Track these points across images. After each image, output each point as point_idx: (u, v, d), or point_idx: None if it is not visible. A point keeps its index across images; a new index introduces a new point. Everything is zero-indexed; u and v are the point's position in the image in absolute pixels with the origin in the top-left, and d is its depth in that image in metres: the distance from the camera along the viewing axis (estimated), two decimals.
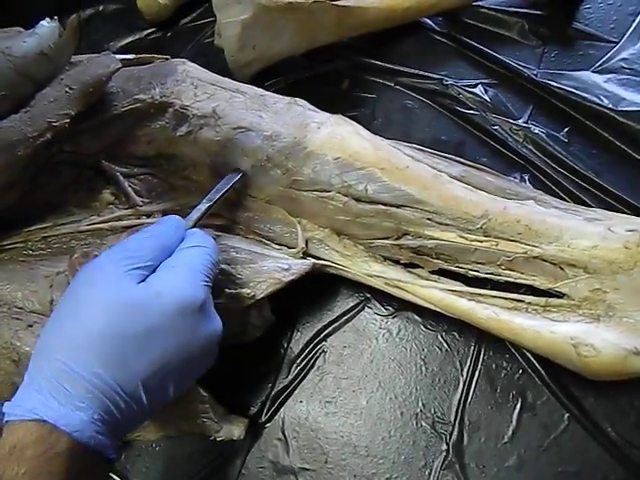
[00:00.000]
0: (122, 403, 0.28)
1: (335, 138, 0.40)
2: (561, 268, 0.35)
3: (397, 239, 0.38)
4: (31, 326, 0.35)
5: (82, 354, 0.28)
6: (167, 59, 0.49)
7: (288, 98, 0.43)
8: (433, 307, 0.38)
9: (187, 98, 0.43)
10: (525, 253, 0.35)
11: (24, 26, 0.42)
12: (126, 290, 0.29)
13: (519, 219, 0.35)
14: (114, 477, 0.40)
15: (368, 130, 0.41)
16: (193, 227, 0.36)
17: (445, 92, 0.48)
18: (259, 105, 0.42)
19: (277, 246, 0.41)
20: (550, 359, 0.35)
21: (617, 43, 0.48)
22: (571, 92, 0.45)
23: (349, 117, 0.43)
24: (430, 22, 0.52)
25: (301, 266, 0.38)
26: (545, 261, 0.35)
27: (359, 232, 0.39)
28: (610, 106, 0.44)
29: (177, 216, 0.35)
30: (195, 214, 0.37)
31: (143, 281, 0.30)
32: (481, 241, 0.36)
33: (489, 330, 0.36)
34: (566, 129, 0.45)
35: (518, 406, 0.37)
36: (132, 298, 0.29)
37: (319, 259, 0.40)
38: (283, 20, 0.49)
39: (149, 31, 0.61)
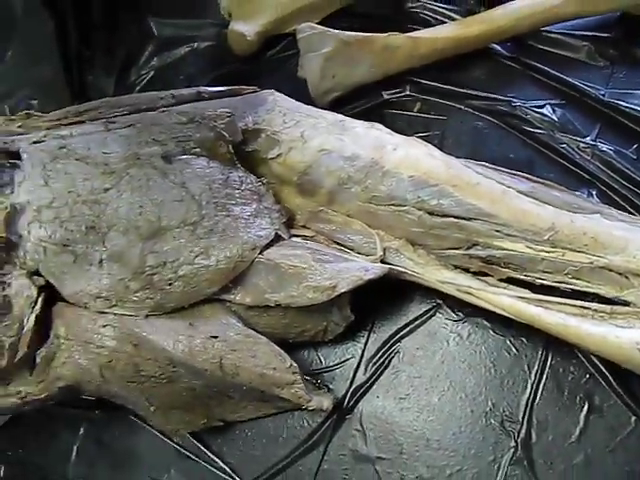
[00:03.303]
0: None
1: (409, 158, 0.43)
2: (627, 277, 0.36)
3: (467, 249, 0.40)
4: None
5: None
6: (255, 90, 0.54)
7: (366, 123, 0.46)
8: (502, 312, 0.40)
9: (277, 125, 0.47)
10: (591, 263, 0.36)
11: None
12: None
13: (585, 231, 0.37)
14: (214, 457, 0.44)
15: (440, 150, 0.44)
16: None
17: (513, 113, 0.50)
18: (340, 129, 0.46)
19: (357, 255, 0.44)
20: (617, 363, 0.36)
21: None
22: (636, 110, 0.46)
23: (421, 138, 0.46)
24: (499, 47, 0.54)
25: (379, 269, 0.41)
26: (611, 271, 0.36)
27: (432, 242, 0.42)
28: None
29: None
30: None
31: None
32: (548, 252, 0.38)
33: (557, 335, 0.38)
34: (634, 146, 0.46)
35: (585, 408, 0.38)
36: None
37: (395, 265, 0.42)
38: (361, 52, 0.53)
39: (239, 64, 0.66)
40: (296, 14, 0.60)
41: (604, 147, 0.46)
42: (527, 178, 0.42)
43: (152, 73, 0.67)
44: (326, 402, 0.40)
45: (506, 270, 0.40)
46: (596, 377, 0.38)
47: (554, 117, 0.49)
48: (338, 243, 0.45)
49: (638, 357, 0.34)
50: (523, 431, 0.38)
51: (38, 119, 0.52)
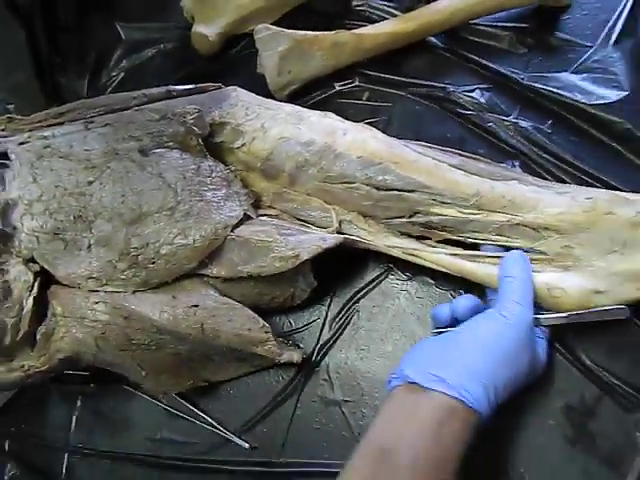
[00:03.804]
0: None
1: (357, 141, 0.48)
2: (538, 231, 0.42)
3: (410, 217, 0.46)
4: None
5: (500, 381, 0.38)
6: (220, 87, 0.59)
7: (320, 112, 0.52)
8: (442, 269, 0.46)
9: (240, 117, 0.52)
10: (509, 221, 0.43)
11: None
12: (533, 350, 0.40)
13: (504, 195, 0.43)
14: (201, 414, 0.50)
15: (386, 133, 0.50)
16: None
17: (448, 97, 0.56)
18: (296, 119, 0.51)
19: (317, 228, 0.50)
20: None
21: (591, 47, 0.54)
22: (552, 91, 0.53)
23: (370, 123, 0.52)
24: (434, 39, 0.60)
25: (335, 239, 0.46)
26: (525, 226, 0.43)
27: (380, 213, 0.47)
28: (584, 101, 0.51)
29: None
30: (551, 318, 0.42)
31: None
32: (475, 214, 0.44)
33: (487, 284, 0.44)
34: (549, 122, 0.52)
35: None
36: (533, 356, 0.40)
37: (350, 236, 0.48)
38: (312, 49, 0.58)
39: (203, 63, 0.69)
40: (253, 15, 0.65)
41: (524, 124, 0.52)
42: (457, 153, 0.48)
43: (122, 74, 0.71)
44: (296, 356, 0.46)
45: (443, 233, 0.46)
46: None
47: (482, 100, 0.55)
48: (300, 219, 0.51)
49: (547, 295, 0.41)
50: None
51: (20, 122, 0.56)
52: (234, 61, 0.67)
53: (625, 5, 0.55)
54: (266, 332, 0.46)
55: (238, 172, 0.52)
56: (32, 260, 0.48)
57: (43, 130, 0.53)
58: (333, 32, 0.59)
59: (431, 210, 0.46)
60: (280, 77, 0.59)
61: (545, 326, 0.42)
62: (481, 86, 0.56)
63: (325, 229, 0.49)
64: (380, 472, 0.35)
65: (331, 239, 0.47)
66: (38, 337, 0.47)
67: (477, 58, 0.57)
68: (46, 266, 0.48)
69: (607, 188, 0.47)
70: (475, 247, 0.45)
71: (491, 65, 0.56)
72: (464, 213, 0.44)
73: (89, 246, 0.48)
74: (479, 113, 0.54)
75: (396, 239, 0.47)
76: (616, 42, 0.53)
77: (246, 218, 0.49)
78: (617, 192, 0.42)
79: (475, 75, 0.57)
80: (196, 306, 0.46)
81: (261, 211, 0.52)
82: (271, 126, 0.51)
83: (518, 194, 0.43)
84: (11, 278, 0.47)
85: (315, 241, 0.47)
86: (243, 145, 0.51)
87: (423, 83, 0.58)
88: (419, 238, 0.47)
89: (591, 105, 0.51)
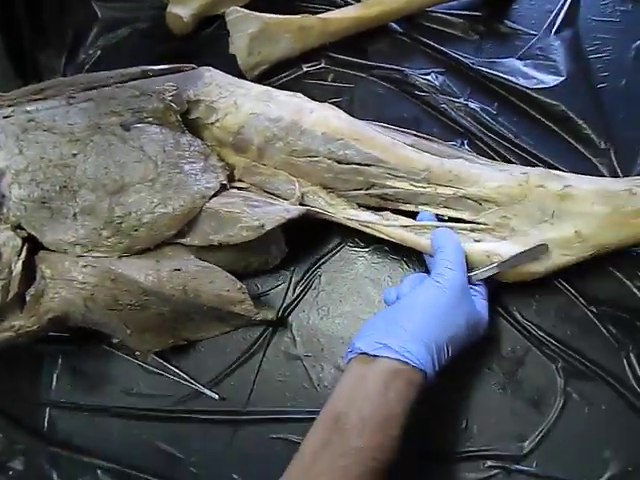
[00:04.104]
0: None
1: (322, 119, 0.52)
2: (479, 203, 0.47)
3: (367, 189, 0.51)
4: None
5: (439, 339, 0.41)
6: (193, 67, 0.62)
7: (290, 92, 0.56)
8: (393, 240, 0.51)
9: (214, 95, 0.55)
10: (454, 194, 0.48)
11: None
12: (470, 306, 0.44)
13: (450, 170, 0.48)
14: (175, 369, 0.54)
15: (348, 112, 0.54)
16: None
17: (406, 80, 0.60)
18: (267, 97, 0.55)
19: (283, 200, 0.54)
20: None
21: (535, 35, 0.59)
22: (498, 75, 0.57)
23: (334, 103, 0.56)
24: (395, 25, 0.64)
25: (298, 210, 0.50)
26: (468, 199, 0.48)
27: (340, 185, 0.52)
28: (526, 85, 0.56)
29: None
30: (486, 270, 0.45)
31: None
32: (425, 187, 0.49)
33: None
34: (495, 104, 0.57)
35: None
36: (472, 309, 0.44)
37: (311, 207, 0.52)
38: (280, 32, 0.62)
39: (177, 43, 0.71)
40: None
41: (473, 105, 0.57)
42: (412, 134, 0.53)
43: (99, 52, 0.73)
44: (270, 314, 0.51)
45: (396, 204, 0.50)
46: None
47: (436, 82, 0.59)
48: (267, 192, 0.54)
49: (486, 261, 0.46)
50: None
51: (1, 97, 0.59)
52: (207, 41, 0.70)
53: None
54: (243, 293, 0.50)
55: (212, 147, 0.56)
56: (20, 227, 0.51)
57: (25, 105, 0.55)
58: (300, 16, 0.62)
59: (386, 183, 0.50)
60: (250, 57, 0.63)
61: (480, 281, 0.46)
62: (435, 70, 0.60)
63: (289, 201, 0.53)
64: (332, 436, 0.38)
65: (294, 210, 0.51)
66: (28, 298, 0.51)
67: (433, 43, 0.61)
68: (33, 233, 0.51)
69: (544, 164, 0.52)
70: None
71: (445, 50, 0.60)
72: (415, 186, 0.49)
73: (74, 214, 0.51)
74: (433, 95, 0.58)
75: (354, 211, 0.52)
76: (557, 31, 0.58)
77: (222, 189, 0.53)
78: (549, 169, 0.47)
79: (430, 59, 0.61)
80: (179, 270, 0.50)
81: (232, 184, 0.55)
82: (243, 103, 0.54)
83: (463, 170, 0.48)
84: (0, 243, 0.50)
85: (279, 212, 0.51)
86: (217, 121, 0.55)
87: (383, 66, 0.62)
88: (376, 209, 0.52)
89: (532, 89, 0.56)
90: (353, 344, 0.43)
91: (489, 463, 0.45)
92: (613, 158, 0.51)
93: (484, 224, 0.48)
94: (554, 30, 0.58)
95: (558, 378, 0.47)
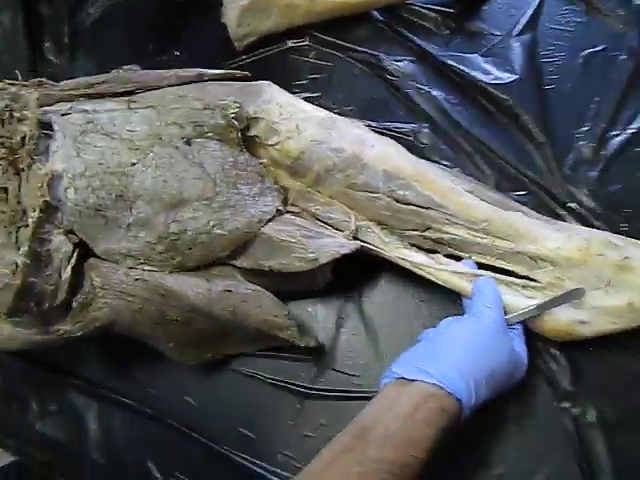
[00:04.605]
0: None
1: (384, 155, 0.52)
2: (535, 261, 0.48)
3: (423, 231, 0.51)
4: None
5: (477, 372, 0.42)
6: (247, 75, 0.61)
7: (349, 120, 0.55)
8: (444, 285, 0.51)
9: (275, 116, 0.54)
10: (512, 249, 0.48)
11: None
12: (510, 342, 0.45)
13: (511, 224, 0.48)
14: None
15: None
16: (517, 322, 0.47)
17: (380, 65, 0.63)
18: (329, 124, 0.54)
19: (335, 230, 0.53)
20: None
21: (499, 36, 0.62)
22: (462, 69, 0.61)
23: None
24: (376, 13, 0.67)
25: (353, 245, 0.50)
26: (526, 255, 0.48)
27: (396, 224, 0.51)
28: (484, 79, 0.59)
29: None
30: (522, 314, 0.46)
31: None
32: (482, 238, 0.49)
33: None
34: (456, 94, 0.60)
35: None
36: (511, 348, 0.45)
37: (365, 242, 0.52)
38: (269, 7, 0.65)
39: (178, 7, 0.73)
40: None
41: (435, 93, 0.60)
42: (469, 180, 0.53)
43: (100, 11, 0.77)
44: (312, 341, 0.51)
45: (450, 249, 0.51)
46: None
47: (406, 69, 0.62)
48: (319, 219, 0.54)
49: (536, 320, 0.47)
50: None
51: (52, 87, 0.57)
52: (203, 8, 0.72)
53: (531, 4, 0.63)
54: (290, 319, 0.50)
55: (267, 166, 0.55)
56: (72, 232, 0.50)
57: (83, 103, 0.54)
58: None
59: (443, 228, 0.50)
60: (239, 28, 0.66)
61: (516, 323, 0.46)
62: (407, 58, 0.64)
63: (342, 232, 0.53)
64: (354, 444, 0.39)
65: (348, 246, 0.50)
66: (74, 305, 0.50)
67: (407, 33, 0.65)
68: (86, 240, 0.50)
69: (493, 153, 0.57)
70: (479, 266, 0.50)
71: (418, 41, 0.64)
72: (472, 235, 0.49)
73: (128, 225, 0.50)
74: (402, 80, 0.62)
75: (407, 251, 0.52)
76: (518, 34, 0.62)
77: (277, 214, 0.52)
78: (610, 235, 0.47)
79: (404, 47, 0.65)
80: (229, 291, 0.50)
81: (285, 207, 0.55)
82: (305, 128, 0.53)
83: (522, 225, 0.48)
84: (52, 248, 0.49)
85: (334, 246, 0.50)
86: (277, 143, 0.54)
87: (361, 49, 0.65)
88: (429, 251, 0.52)
89: (488, 84, 0.59)
90: (390, 369, 0.43)
91: None
92: (549, 151, 0.56)
93: (537, 281, 0.48)
94: (515, 33, 0.62)
95: None
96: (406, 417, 0.39)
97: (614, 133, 0.56)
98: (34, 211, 0.48)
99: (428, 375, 0.40)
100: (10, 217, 0.48)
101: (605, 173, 0.54)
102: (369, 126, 0.55)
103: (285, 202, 0.55)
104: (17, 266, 0.46)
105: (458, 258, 0.51)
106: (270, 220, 0.51)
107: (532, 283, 0.48)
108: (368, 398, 0.46)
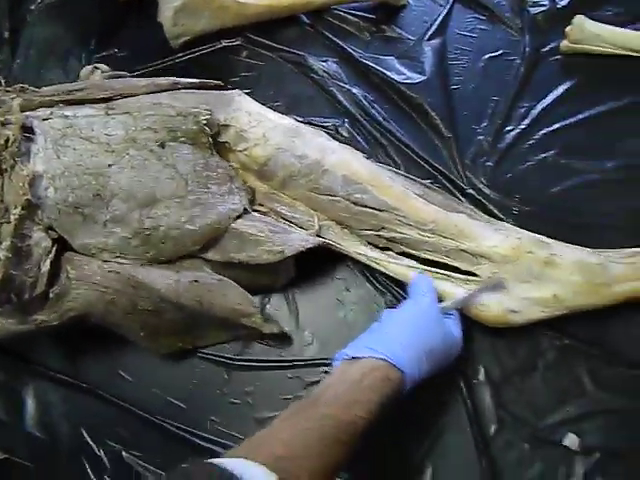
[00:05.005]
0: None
1: (343, 162, 0.56)
2: (475, 257, 0.53)
3: (378, 231, 0.55)
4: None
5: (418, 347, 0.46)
6: (219, 84, 0.65)
7: (312, 129, 0.60)
8: (397, 277, 0.56)
9: (244, 124, 0.58)
10: (456, 247, 0.53)
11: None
12: (444, 324, 0.49)
13: (454, 224, 0.53)
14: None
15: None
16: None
17: (306, 64, 0.70)
18: (293, 133, 0.58)
19: (299, 228, 0.57)
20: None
21: (412, 40, 0.70)
22: (379, 69, 0.68)
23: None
24: (303, 16, 0.74)
25: (316, 241, 0.54)
26: (467, 252, 0.53)
27: (354, 224, 0.56)
28: (397, 79, 0.67)
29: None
30: (454, 302, 0.51)
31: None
32: (430, 237, 0.54)
33: None
34: (373, 92, 0.67)
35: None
36: (447, 328, 0.48)
37: (326, 239, 0.56)
38: (202, 8, 0.71)
39: (119, 7, 0.78)
40: None
41: (355, 91, 0.67)
42: (420, 183, 0.58)
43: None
44: (275, 327, 0.55)
45: (402, 247, 0.55)
46: None
47: (331, 69, 0.69)
48: (284, 219, 0.58)
49: (475, 309, 0.51)
50: None
51: (33, 93, 0.60)
52: (141, 8, 0.77)
53: (441, 13, 0.71)
54: (254, 307, 0.54)
55: (236, 169, 0.59)
56: (51, 228, 0.53)
57: (63, 109, 0.57)
58: None
59: (395, 228, 0.55)
60: (175, 28, 0.72)
61: (450, 310, 0.51)
62: (332, 59, 0.71)
63: (306, 230, 0.57)
64: (305, 407, 0.42)
65: (312, 241, 0.55)
66: (51, 296, 0.53)
67: (332, 36, 0.73)
68: (65, 235, 0.53)
69: (403, 145, 0.63)
70: (426, 262, 0.55)
71: (341, 43, 0.72)
72: (421, 235, 0.54)
73: (105, 222, 0.53)
74: (325, 79, 0.69)
75: (364, 247, 0.56)
76: (429, 39, 0.70)
77: (244, 212, 0.56)
78: (538, 236, 0.53)
79: (328, 49, 0.72)
80: (196, 281, 0.53)
81: (252, 207, 0.59)
82: (271, 137, 0.58)
83: (465, 226, 0.53)
84: (32, 243, 0.52)
85: (299, 241, 0.55)
86: (245, 149, 0.58)
87: (289, 50, 0.73)
88: (383, 249, 0.56)
89: (401, 83, 0.67)
90: (341, 352, 0.46)
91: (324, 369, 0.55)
92: (453, 144, 0.62)
93: (477, 276, 0.53)
94: (426, 37, 0.70)
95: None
96: (353, 382, 0.42)
97: (508, 129, 0.64)
98: (16, 208, 0.51)
99: (375, 351, 0.44)
100: None
101: (500, 164, 0.62)
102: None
103: (253, 202, 0.59)
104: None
105: (408, 255, 0.56)
106: (238, 217, 0.55)
107: (473, 277, 0.53)
108: (289, 367, 0.55)
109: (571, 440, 0.50)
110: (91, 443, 0.56)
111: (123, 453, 0.55)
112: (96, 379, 0.58)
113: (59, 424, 0.57)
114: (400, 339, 0.46)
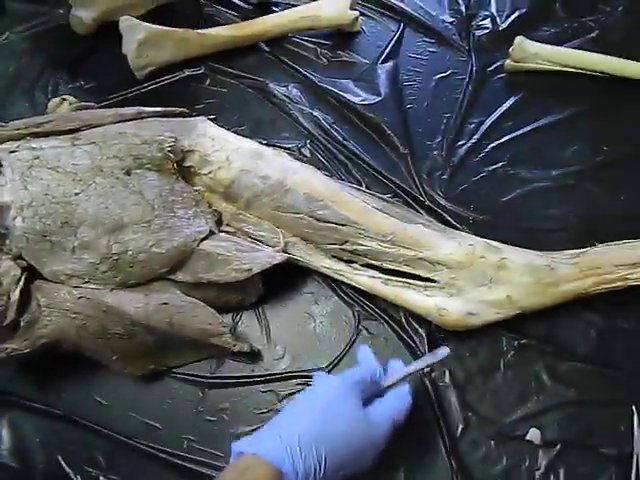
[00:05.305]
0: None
1: (304, 181, 0.59)
2: (433, 265, 0.55)
3: (341, 244, 0.57)
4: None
5: (308, 442, 0.39)
6: (184, 112, 0.67)
7: (274, 150, 0.62)
8: (362, 287, 0.58)
9: (207, 148, 0.60)
10: (414, 256, 0.56)
11: None
12: (358, 412, 0.42)
13: (412, 235, 0.56)
14: None
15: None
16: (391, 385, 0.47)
17: (267, 90, 0.73)
18: (256, 155, 0.60)
19: (266, 246, 0.59)
20: (422, 316, 0.55)
21: (367, 64, 0.75)
22: (337, 92, 0.73)
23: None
24: (263, 45, 0.78)
25: (282, 257, 0.56)
26: (425, 260, 0.55)
27: (318, 239, 0.58)
28: (355, 101, 0.71)
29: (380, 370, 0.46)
30: (393, 380, 0.47)
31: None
32: (390, 248, 0.56)
33: (394, 301, 0.56)
34: (333, 114, 0.71)
35: None
36: (359, 419, 0.42)
37: (292, 255, 0.58)
38: (164, 40, 0.74)
39: (83, 42, 0.81)
40: (121, 8, 0.79)
41: (316, 114, 0.70)
42: (380, 198, 0.60)
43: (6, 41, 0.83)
44: (245, 346, 0.56)
45: (365, 259, 0.57)
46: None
47: (291, 94, 0.73)
48: (252, 237, 0.60)
49: (435, 313, 0.54)
50: None
51: (1, 128, 0.61)
52: (107, 42, 0.79)
53: (394, 37, 0.76)
54: (223, 327, 0.55)
55: (202, 192, 0.61)
56: (20, 257, 0.54)
57: (30, 141, 0.58)
58: (182, 30, 0.75)
59: (357, 241, 0.57)
60: (139, 59, 0.74)
61: (394, 386, 0.47)
62: (292, 83, 0.75)
63: (273, 247, 0.59)
64: None
65: (279, 257, 0.57)
66: (22, 324, 0.53)
67: (291, 62, 0.77)
68: (34, 263, 0.54)
69: (363, 163, 0.67)
70: (389, 272, 0.57)
71: (300, 69, 0.76)
72: (382, 246, 0.56)
73: (73, 248, 0.54)
74: (287, 103, 0.73)
75: (329, 261, 0.58)
76: (383, 62, 0.75)
77: (210, 234, 0.58)
78: (490, 241, 0.55)
79: (288, 75, 0.76)
80: (166, 304, 0.54)
81: (220, 228, 0.60)
82: (235, 160, 0.60)
83: (422, 236, 0.56)
84: (1, 272, 0.52)
85: (266, 258, 0.56)
86: (210, 172, 0.60)
87: (250, 77, 0.75)
88: (347, 262, 0.58)
89: (358, 104, 0.71)
90: (232, 445, 0.42)
91: (296, 381, 0.56)
92: (409, 160, 0.66)
93: (436, 282, 0.55)
94: (380, 61, 0.75)
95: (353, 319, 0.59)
96: None
97: (460, 143, 0.68)
98: None
99: (248, 446, 0.40)
100: None
101: (454, 176, 0.66)
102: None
103: (220, 223, 0.60)
104: None
105: (372, 266, 0.58)
106: (205, 239, 0.57)
107: (432, 284, 0.55)
108: (262, 382, 0.56)
109: (533, 434, 0.52)
110: (67, 470, 0.56)
111: (100, 478, 0.55)
112: (70, 405, 0.58)
113: (34, 452, 0.56)
114: (282, 427, 0.40)
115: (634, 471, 0.50)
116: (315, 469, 0.39)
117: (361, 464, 0.43)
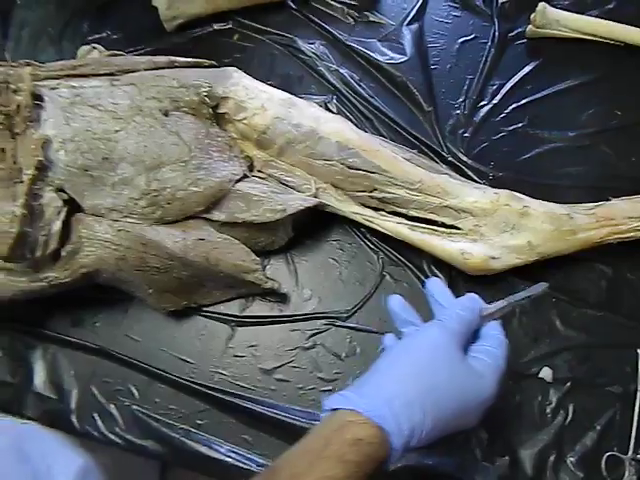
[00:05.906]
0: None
1: (336, 129, 0.60)
2: (458, 212, 0.57)
3: (370, 192, 0.58)
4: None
5: (411, 399, 0.35)
6: (213, 64, 0.68)
7: (306, 102, 0.63)
8: (389, 233, 0.60)
9: (242, 95, 0.61)
10: (440, 204, 0.57)
11: None
12: (462, 363, 0.37)
13: (438, 184, 0.58)
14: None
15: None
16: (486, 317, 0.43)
17: (295, 46, 0.74)
18: (289, 104, 0.61)
19: (297, 192, 0.60)
20: (446, 262, 0.57)
21: (393, 25, 0.76)
22: (364, 51, 0.72)
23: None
24: (290, 2, 0.77)
25: (314, 201, 0.58)
26: (450, 208, 0.57)
27: (348, 186, 0.59)
28: (381, 59, 0.71)
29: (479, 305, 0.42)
30: (493, 308, 0.44)
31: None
32: (417, 195, 0.58)
33: (420, 246, 0.58)
34: (359, 72, 0.72)
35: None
36: (465, 371, 0.37)
37: (323, 200, 0.59)
38: None
39: None
40: None
41: (343, 71, 0.71)
42: (408, 150, 0.62)
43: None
44: (276, 284, 0.58)
45: (393, 206, 0.59)
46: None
47: (318, 51, 0.74)
48: (283, 183, 0.62)
49: (460, 257, 0.56)
50: None
51: (37, 68, 0.61)
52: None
53: (418, 0, 0.77)
54: (257, 264, 0.57)
55: (235, 139, 0.62)
56: (62, 190, 0.55)
57: (70, 80, 0.59)
58: None
59: (386, 189, 0.59)
60: (169, 11, 0.74)
61: (492, 317, 0.43)
62: (320, 41, 0.74)
63: (304, 194, 0.60)
64: None
65: (311, 200, 0.58)
66: (63, 254, 0.54)
67: (319, 21, 0.77)
68: (75, 196, 0.55)
69: (388, 119, 0.68)
70: (415, 219, 0.59)
71: (327, 27, 0.75)
72: (409, 194, 0.58)
73: (113, 184, 0.55)
74: (314, 60, 0.73)
75: (358, 208, 0.60)
76: (408, 24, 0.76)
77: (244, 177, 0.59)
78: (513, 192, 0.58)
79: (315, 32, 0.76)
80: (202, 239, 0.56)
81: (253, 174, 0.62)
82: (269, 107, 0.61)
83: (448, 185, 0.58)
84: (44, 202, 0.54)
85: (299, 200, 0.58)
86: (244, 118, 0.61)
87: (279, 33, 0.75)
88: (375, 209, 0.60)
89: (385, 63, 0.71)
90: (326, 401, 0.38)
91: (323, 322, 0.58)
92: (433, 118, 0.68)
93: (460, 229, 0.57)
94: (406, 22, 0.76)
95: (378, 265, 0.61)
96: (314, 454, 0.33)
97: (482, 104, 0.70)
98: (29, 169, 0.52)
99: (350, 402, 0.35)
100: (8, 174, 0.51)
101: (475, 135, 0.68)
102: None
103: (252, 169, 0.61)
104: (15, 215, 0.50)
105: (398, 214, 0.60)
106: (239, 180, 0.58)
107: (456, 231, 0.57)
108: (290, 321, 0.58)
109: (546, 373, 0.55)
110: (101, 399, 0.57)
111: (134, 407, 0.57)
112: (104, 342, 0.59)
113: (69, 383, 0.58)
114: (380, 381, 0.36)
115: (637, 408, 0.53)
116: (420, 428, 0.35)
117: (467, 421, 0.39)
